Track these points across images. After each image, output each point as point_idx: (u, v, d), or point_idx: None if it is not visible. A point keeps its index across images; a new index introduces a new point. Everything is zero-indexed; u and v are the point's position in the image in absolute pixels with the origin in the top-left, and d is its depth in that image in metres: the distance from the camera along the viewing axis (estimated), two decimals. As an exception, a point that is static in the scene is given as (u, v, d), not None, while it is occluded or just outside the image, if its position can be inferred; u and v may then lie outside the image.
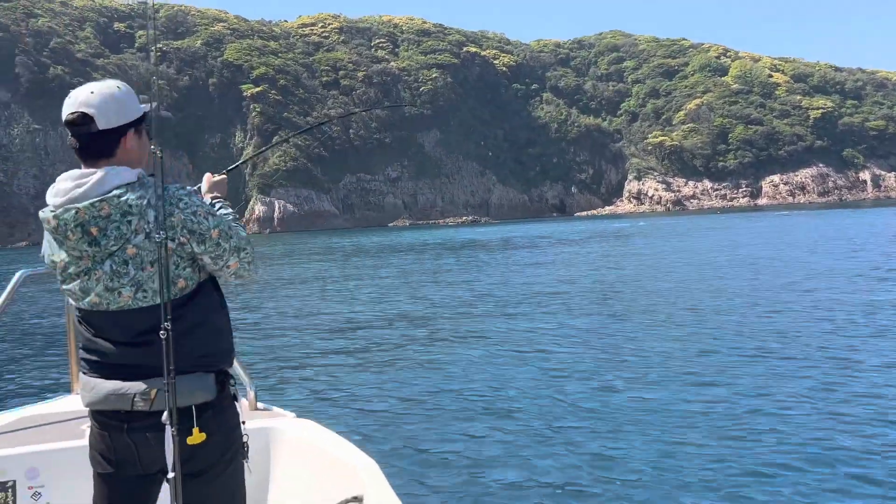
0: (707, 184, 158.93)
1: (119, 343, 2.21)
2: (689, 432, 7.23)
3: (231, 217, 2.40)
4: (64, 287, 2.26)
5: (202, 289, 2.28)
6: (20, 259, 61.53)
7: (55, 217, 2.15)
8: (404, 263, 34.43)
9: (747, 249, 30.97)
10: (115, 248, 2.14)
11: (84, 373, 2.30)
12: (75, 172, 2.20)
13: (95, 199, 2.11)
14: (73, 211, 2.11)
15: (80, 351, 2.32)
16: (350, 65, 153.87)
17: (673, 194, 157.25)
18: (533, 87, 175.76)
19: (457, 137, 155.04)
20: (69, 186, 2.16)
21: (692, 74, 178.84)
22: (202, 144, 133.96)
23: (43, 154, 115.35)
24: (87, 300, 2.20)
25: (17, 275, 3.56)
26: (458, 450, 7.10)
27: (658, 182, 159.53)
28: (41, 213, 2.23)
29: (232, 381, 2.36)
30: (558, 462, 6.71)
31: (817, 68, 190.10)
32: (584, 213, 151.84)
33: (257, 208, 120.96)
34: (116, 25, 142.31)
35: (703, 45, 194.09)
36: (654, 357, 10.94)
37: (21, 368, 11.76)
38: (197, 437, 2.09)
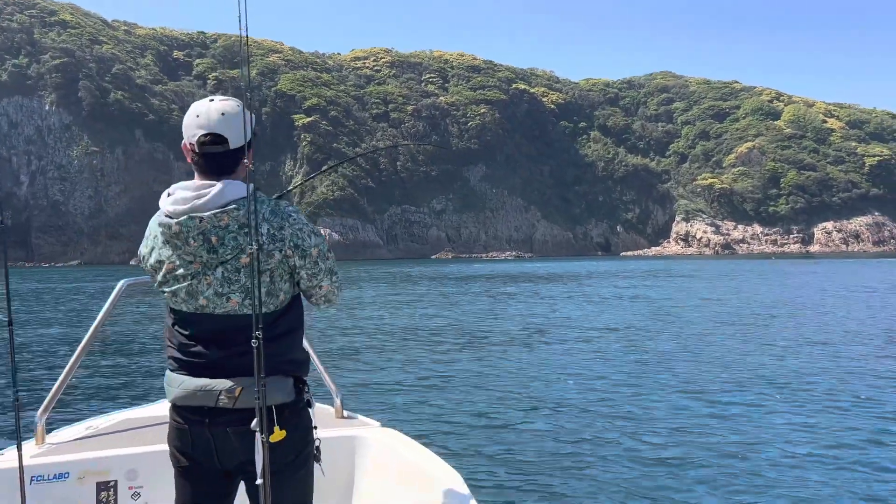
0: (757, 228, 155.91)
1: (213, 344, 2.30)
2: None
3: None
4: (166, 289, 2.35)
5: (294, 303, 2.39)
6: (71, 275, 62.79)
7: (178, 224, 2.24)
8: (482, 288, 34.64)
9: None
10: (229, 257, 2.25)
11: (171, 370, 2.39)
12: (194, 183, 2.29)
13: (217, 210, 2.23)
14: (197, 220, 2.22)
15: (171, 349, 2.40)
16: (400, 98, 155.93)
17: (722, 237, 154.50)
18: (581, 126, 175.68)
19: (502, 172, 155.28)
20: (190, 196, 2.25)
21: (744, 117, 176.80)
22: (253, 171, 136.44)
23: (99, 176, 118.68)
24: (194, 303, 2.30)
25: (120, 283, 3.71)
26: (545, 468, 6.88)
27: (707, 224, 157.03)
28: (160, 219, 2.30)
29: (307, 389, 2.42)
30: (650, 483, 6.29)
31: (874, 115, 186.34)
32: (630, 254, 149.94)
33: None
34: (175, 54, 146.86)
35: (755, 88, 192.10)
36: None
37: (121, 373, 12.31)
38: (278, 434, 2.16)
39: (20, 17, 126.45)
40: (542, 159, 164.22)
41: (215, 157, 2.30)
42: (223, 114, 2.29)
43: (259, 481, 2.05)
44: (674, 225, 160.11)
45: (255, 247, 2.13)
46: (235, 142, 2.31)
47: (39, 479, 3.15)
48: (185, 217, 2.23)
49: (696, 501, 6.04)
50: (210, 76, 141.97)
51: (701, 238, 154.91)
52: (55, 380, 3.63)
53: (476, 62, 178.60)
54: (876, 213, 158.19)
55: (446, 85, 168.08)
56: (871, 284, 38.08)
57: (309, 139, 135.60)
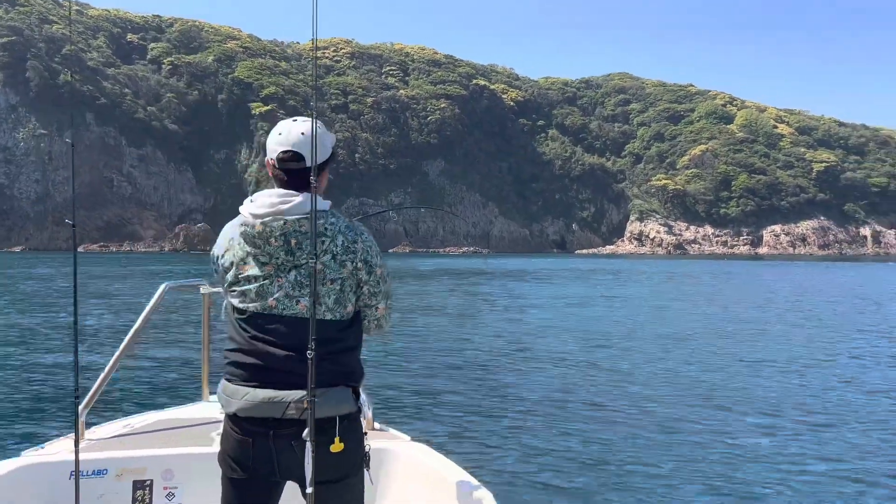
0: (708, 229, 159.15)
1: (279, 348, 2.37)
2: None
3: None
4: (236, 289, 2.43)
5: (357, 317, 2.50)
6: (17, 263, 60.65)
7: (262, 224, 2.36)
8: (520, 292, 34.19)
9: None
10: (304, 261, 2.36)
11: (229, 380, 2.43)
12: (279, 191, 2.42)
13: (300, 216, 2.36)
14: (282, 221, 2.35)
15: (231, 355, 2.44)
16: (360, 90, 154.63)
17: (674, 238, 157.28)
18: (539, 124, 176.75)
19: (461, 168, 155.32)
20: (275, 201, 2.38)
21: (698, 120, 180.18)
22: (207, 159, 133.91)
23: (46, 159, 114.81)
24: (262, 303, 2.38)
25: (162, 287, 3.83)
26: (581, 492, 6.65)
27: (660, 224, 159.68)
28: (242, 220, 2.42)
29: (359, 399, 2.53)
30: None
31: (822, 122, 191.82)
32: (585, 251, 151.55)
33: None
34: (129, 37, 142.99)
35: (709, 91, 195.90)
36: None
37: (157, 374, 12.39)
38: (338, 445, 2.27)
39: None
40: (500, 156, 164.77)
41: (295, 173, 2.44)
42: (303, 133, 2.44)
43: (309, 490, 2.13)
44: (628, 224, 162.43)
45: (315, 261, 2.24)
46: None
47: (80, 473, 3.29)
48: (270, 218, 2.35)
49: None
50: (165, 61, 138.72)
51: (654, 238, 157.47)
52: (96, 377, 3.68)
53: (437, 56, 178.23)
54: (822, 218, 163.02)
55: (407, 78, 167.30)
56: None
57: (266, 128, 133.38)
